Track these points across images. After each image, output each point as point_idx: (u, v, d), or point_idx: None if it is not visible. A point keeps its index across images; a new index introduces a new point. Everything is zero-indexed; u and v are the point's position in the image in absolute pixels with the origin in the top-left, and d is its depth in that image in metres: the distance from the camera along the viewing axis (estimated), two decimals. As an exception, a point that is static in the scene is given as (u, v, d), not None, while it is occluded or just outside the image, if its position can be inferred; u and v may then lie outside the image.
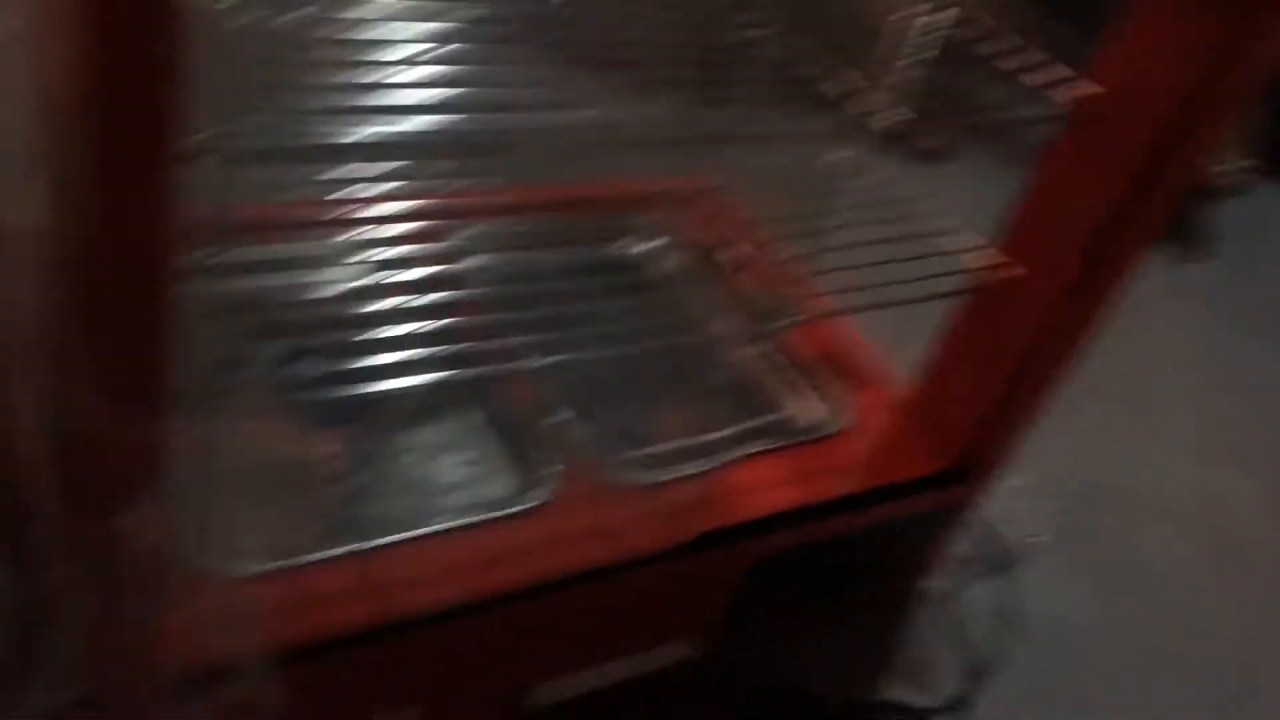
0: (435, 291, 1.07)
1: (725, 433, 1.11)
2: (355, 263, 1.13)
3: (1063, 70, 0.97)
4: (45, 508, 0.69)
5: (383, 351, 0.87)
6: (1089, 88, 0.96)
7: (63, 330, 0.55)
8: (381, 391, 0.84)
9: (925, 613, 1.23)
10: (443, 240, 1.19)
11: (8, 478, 0.76)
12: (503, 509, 0.94)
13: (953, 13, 1.04)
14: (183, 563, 0.61)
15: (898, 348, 1.24)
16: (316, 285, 1.10)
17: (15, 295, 0.64)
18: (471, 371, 1.01)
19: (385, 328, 0.90)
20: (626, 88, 1.14)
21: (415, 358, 0.91)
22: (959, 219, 1.10)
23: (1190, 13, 0.88)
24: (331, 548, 0.87)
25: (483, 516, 0.93)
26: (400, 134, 0.89)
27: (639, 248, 1.33)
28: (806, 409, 1.17)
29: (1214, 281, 2.02)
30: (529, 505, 0.95)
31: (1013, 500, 1.32)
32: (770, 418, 1.15)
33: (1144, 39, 0.92)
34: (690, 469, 1.03)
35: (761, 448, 1.09)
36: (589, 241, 1.31)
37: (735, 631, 1.10)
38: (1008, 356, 1.08)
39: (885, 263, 1.02)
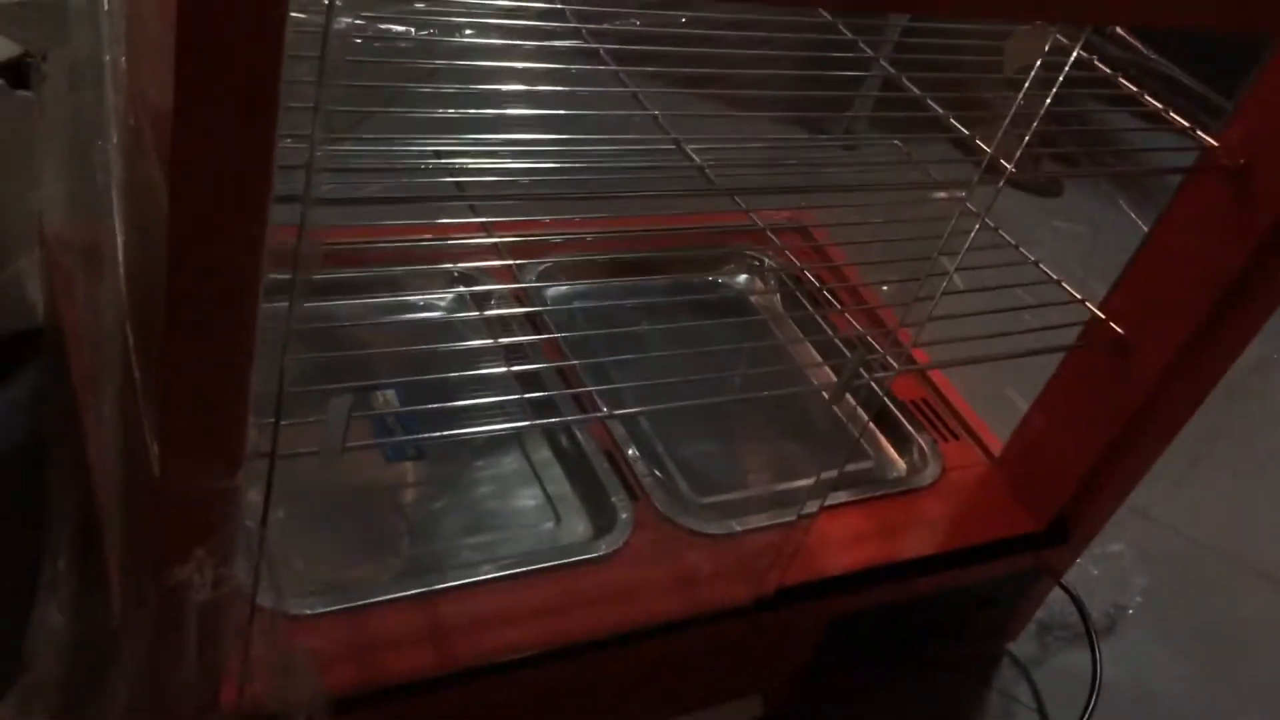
0: (524, 322, 1.06)
1: (809, 481, 1.06)
2: (443, 291, 1.12)
3: (1191, 118, 0.92)
4: (114, 552, 0.68)
5: (469, 395, 0.85)
6: (1222, 137, 0.90)
7: (139, 380, 0.54)
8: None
9: (1009, 679, 1.17)
10: (534, 271, 1.17)
11: (87, 520, 0.76)
12: (574, 555, 0.91)
13: (1075, 53, 0.98)
14: (247, 603, 0.59)
15: (994, 396, 1.19)
16: (401, 314, 1.09)
17: (102, 343, 0.63)
18: (560, 421, 0.99)
19: (473, 368, 0.88)
20: (738, 112, 1.10)
21: (501, 402, 0.89)
22: (1070, 266, 1.05)
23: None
24: (398, 588, 0.84)
25: (553, 563, 0.90)
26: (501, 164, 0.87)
27: (736, 280, 1.29)
28: (896, 459, 1.12)
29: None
30: (601, 553, 0.92)
31: (1107, 564, 1.26)
32: (858, 467, 1.11)
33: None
34: (770, 519, 0.99)
35: (847, 499, 1.04)
36: (685, 271, 1.28)
37: (809, 689, 1.05)
38: (1112, 418, 1.02)
39: (986, 313, 0.97)
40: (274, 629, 0.63)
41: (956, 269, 1.04)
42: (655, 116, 0.91)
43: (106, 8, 0.63)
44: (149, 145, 0.49)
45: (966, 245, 1.04)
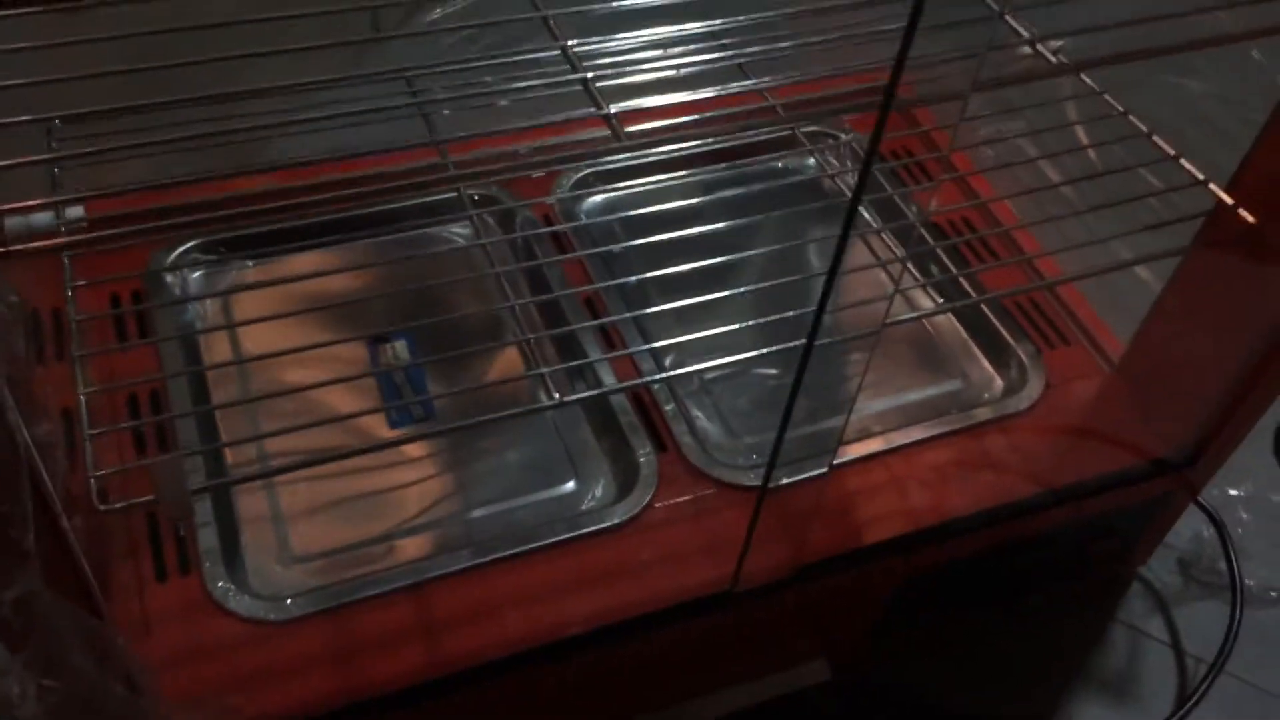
0: (549, 245, 0.94)
1: (887, 407, 0.92)
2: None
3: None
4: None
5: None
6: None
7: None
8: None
9: (1136, 608, 1.02)
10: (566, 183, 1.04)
11: None
12: (592, 525, 0.81)
13: None
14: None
15: (1115, 293, 1.00)
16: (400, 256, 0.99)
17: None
18: (596, 394, 0.88)
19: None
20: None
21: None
22: (1196, 128, 0.84)
23: None
24: (390, 581, 0.77)
25: (569, 534, 0.81)
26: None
27: (807, 162, 1.12)
28: (992, 375, 0.96)
29: None
30: (623, 519, 0.82)
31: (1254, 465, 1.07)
32: (947, 387, 0.95)
33: None
34: (843, 456, 0.86)
35: (934, 431, 0.89)
36: (759, 152, 1.11)
37: (886, 644, 0.94)
38: (1248, 320, 0.83)
39: (1087, 211, 0.79)
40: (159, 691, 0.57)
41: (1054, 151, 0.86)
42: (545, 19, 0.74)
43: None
44: None
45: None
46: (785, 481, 0.83)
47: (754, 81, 0.75)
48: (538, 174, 1.02)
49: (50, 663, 0.47)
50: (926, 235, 1.00)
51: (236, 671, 0.71)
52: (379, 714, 0.73)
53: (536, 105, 0.68)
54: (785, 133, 1.08)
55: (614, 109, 0.56)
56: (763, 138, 1.10)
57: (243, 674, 0.71)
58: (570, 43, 0.63)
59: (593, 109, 0.56)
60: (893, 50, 0.46)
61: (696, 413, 0.90)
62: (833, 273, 0.59)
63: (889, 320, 0.66)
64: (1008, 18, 0.68)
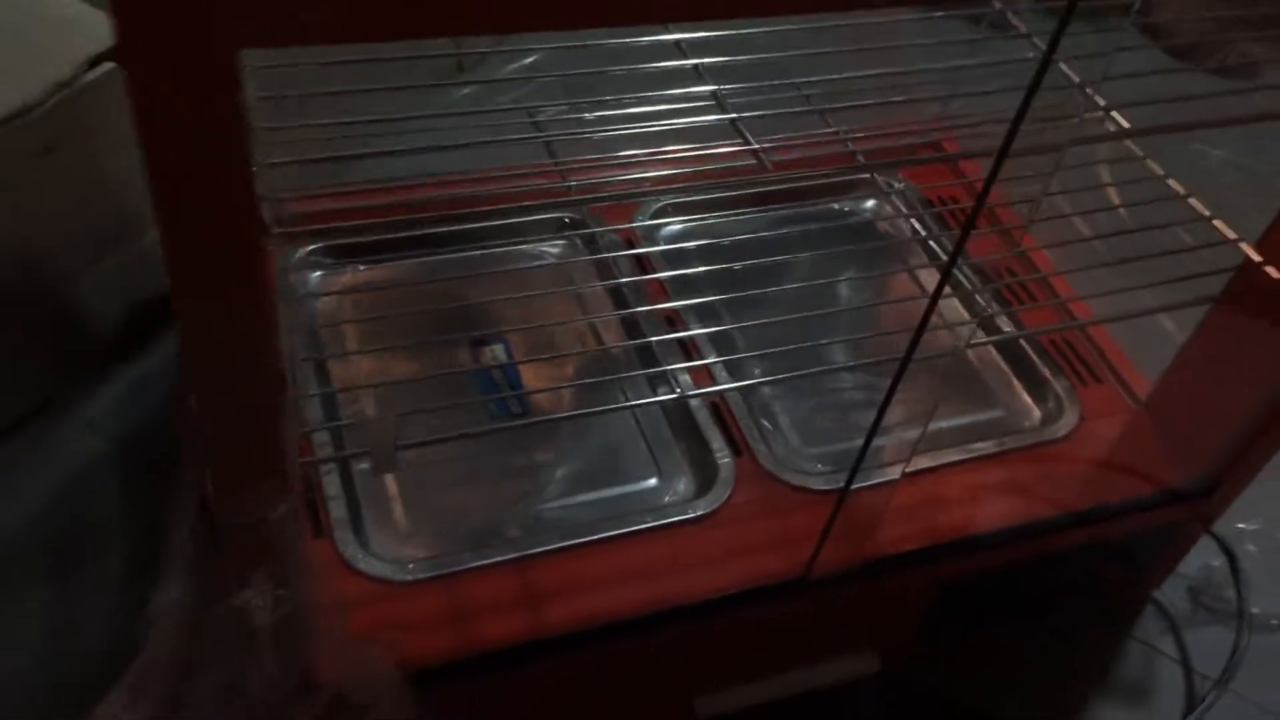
0: (635, 268, 1.04)
1: (933, 429, 1.02)
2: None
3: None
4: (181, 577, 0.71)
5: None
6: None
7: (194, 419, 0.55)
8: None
9: (1153, 631, 1.11)
10: (647, 211, 1.14)
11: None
12: (675, 515, 0.91)
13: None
14: (315, 611, 0.61)
15: (1147, 326, 1.10)
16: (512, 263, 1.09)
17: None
18: (675, 397, 0.98)
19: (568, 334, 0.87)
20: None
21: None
22: (1228, 193, 0.95)
23: None
24: (497, 554, 0.86)
25: (655, 523, 0.90)
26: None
27: (868, 205, 1.23)
28: (1030, 406, 1.06)
29: None
30: (703, 511, 0.91)
31: (1264, 503, 1.16)
32: (986, 416, 1.05)
33: None
34: (892, 474, 0.96)
35: (976, 454, 0.99)
36: (815, 196, 1.22)
37: (930, 646, 1.03)
38: (1268, 367, 0.93)
39: (1131, 260, 0.90)
40: (342, 618, 0.66)
41: (1095, 209, 0.97)
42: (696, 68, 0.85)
43: None
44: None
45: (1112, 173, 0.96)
46: (856, 486, 0.94)
47: (838, 129, 0.86)
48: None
49: (283, 579, 0.56)
50: (974, 278, 1.11)
51: (369, 623, 0.79)
52: (486, 670, 0.82)
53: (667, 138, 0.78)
54: (851, 178, 1.19)
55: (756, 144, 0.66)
56: (829, 181, 1.21)
57: (374, 626, 0.80)
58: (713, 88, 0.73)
59: (740, 143, 0.66)
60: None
61: (765, 423, 1.00)
62: (932, 303, 0.69)
63: (969, 343, 0.75)
64: (1088, 90, 0.78)
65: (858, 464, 0.84)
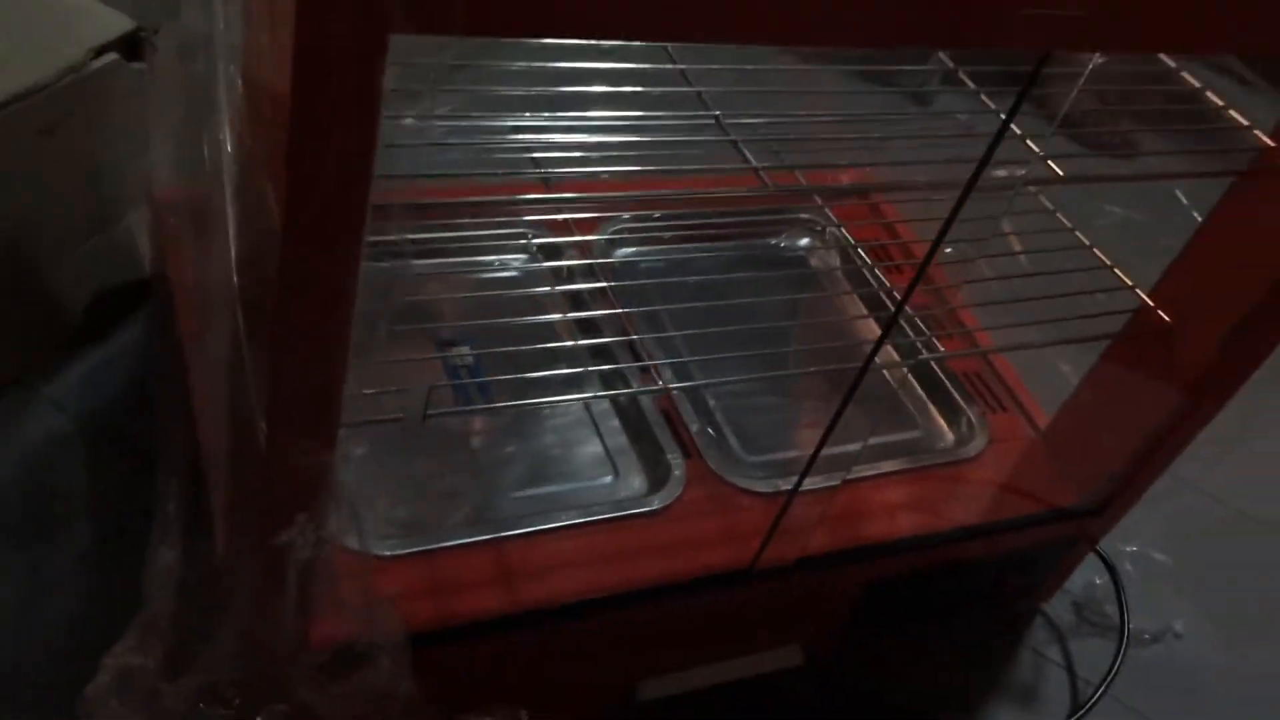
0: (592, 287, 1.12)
1: (858, 447, 1.12)
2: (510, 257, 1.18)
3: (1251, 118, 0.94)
4: (218, 497, 0.76)
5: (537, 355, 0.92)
6: (1277, 137, 0.92)
7: (248, 358, 0.61)
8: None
9: (1041, 639, 1.23)
10: (604, 233, 1.23)
11: (193, 464, 0.84)
12: (630, 509, 0.98)
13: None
14: (337, 552, 0.67)
15: (1046, 368, 1.23)
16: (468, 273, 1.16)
17: (210, 308, 0.71)
18: (628, 392, 1.06)
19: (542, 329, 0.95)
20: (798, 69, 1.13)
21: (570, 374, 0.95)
22: (1124, 244, 1.08)
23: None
24: (468, 534, 0.92)
25: (611, 515, 0.97)
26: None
27: (798, 244, 1.33)
28: (945, 430, 1.17)
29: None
30: (655, 507, 0.99)
31: (1143, 532, 1.29)
32: (907, 436, 1.16)
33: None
34: (819, 482, 1.05)
35: (895, 467, 1.09)
36: (747, 234, 1.32)
37: (849, 642, 1.12)
38: (1156, 400, 1.06)
39: (1041, 298, 1.01)
40: (360, 573, 0.71)
41: (1016, 253, 1.09)
42: (699, 94, 0.96)
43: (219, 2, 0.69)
44: (260, 152, 0.55)
45: (1008, 209, 1.08)
46: (785, 489, 1.03)
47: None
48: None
49: (321, 522, 0.62)
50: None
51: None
52: (450, 641, 0.88)
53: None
54: (783, 216, 1.30)
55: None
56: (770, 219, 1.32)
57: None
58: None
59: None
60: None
61: (711, 430, 1.08)
62: (880, 340, 0.79)
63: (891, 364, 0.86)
64: (1023, 136, 0.90)
65: (806, 470, 0.94)
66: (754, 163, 0.76)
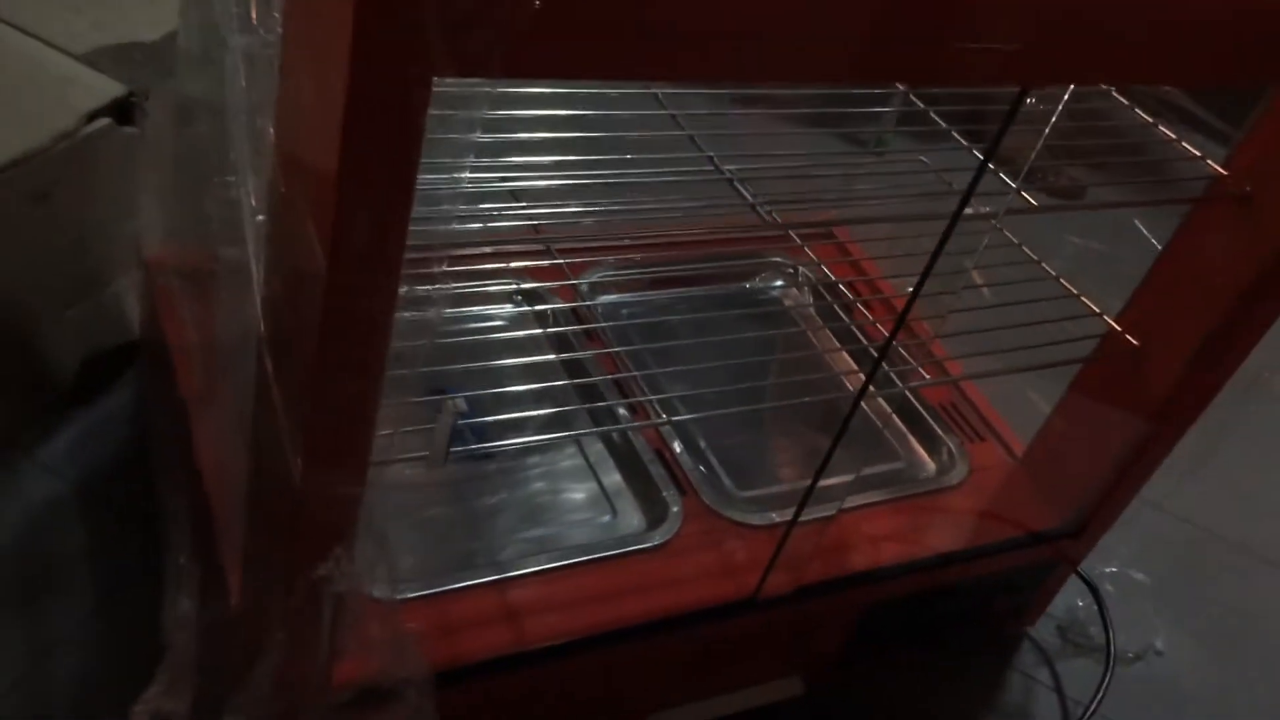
0: (579, 334, 1.14)
1: (846, 479, 1.15)
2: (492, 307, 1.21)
3: (1201, 150, 0.99)
4: (232, 547, 0.77)
5: (530, 403, 0.94)
6: (1230, 166, 0.97)
7: (280, 401, 0.63)
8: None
9: (1030, 662, 1.26)
10: (586, 282, 1.26)
11: (199, 518, 0.85)
12: (630, 545, 1.00)
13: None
14: (367, 590, 0.68)
15: (1018, 398, 1.27)
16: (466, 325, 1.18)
17: (226, 362, 0.72)
18: (604, 430, 1.09)
19: (533, 376, 0.97)
20: (761, 122, 1.18)
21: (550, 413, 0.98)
22: (1088, 274, 1.13)
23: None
24: (474, 576, 0.94)
25: (611, 552, 0.99)
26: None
27: (773, 286, 1.37)
28: (926, 460, 1.21)
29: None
30: (655, 543, 1.01)
31: (1121, 552, 1.33)
32: (890, 467, 1.19)
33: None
34: (810, 514, 1.08)
35: (881, 497, 1.12)
36: (724, 281, 1.36)
37: (845, 671, 1.14)
38: (1127, 421, 1.10)
39: (1011, 326, 1.05)
40: (387, 609, 0.72)
41: (985, 284, 1.13)
42: (691, 137, 1.00)
43: (240, 60, 0.71)
44: (299, 197, 0.57)
45: (983, 245, 1.13)
46: (778, 520, 1.05)
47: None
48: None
49: (352, 555, 0.64)
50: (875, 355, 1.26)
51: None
52: (469, 679, 0.89)
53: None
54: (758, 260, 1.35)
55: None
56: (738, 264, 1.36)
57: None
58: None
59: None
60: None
61: (703, 469, 1.11)
62: (868, 380, 0.83)
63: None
64: (997, 170, 0.94)
65: (803, 503, 0.97)
66: (750, 198, 0.80)
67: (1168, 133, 1.01)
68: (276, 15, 0.59)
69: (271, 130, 0.60)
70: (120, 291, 1.14)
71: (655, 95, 0.95)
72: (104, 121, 1.01)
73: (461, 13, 0.44)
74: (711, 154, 0.91)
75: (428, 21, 0.44)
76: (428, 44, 0.46)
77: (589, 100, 0.94)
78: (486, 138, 0.95)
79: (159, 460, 1.04)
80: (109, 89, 1.02)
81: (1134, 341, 1.06)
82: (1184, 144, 1.00)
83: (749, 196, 0.80)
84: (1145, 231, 1.07)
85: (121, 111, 1.03)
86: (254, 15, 0.63)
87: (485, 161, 0.97)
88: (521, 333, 1.10)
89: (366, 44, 0.46)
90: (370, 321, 0.56)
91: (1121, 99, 1.04)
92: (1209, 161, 0.98)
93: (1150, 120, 1.02)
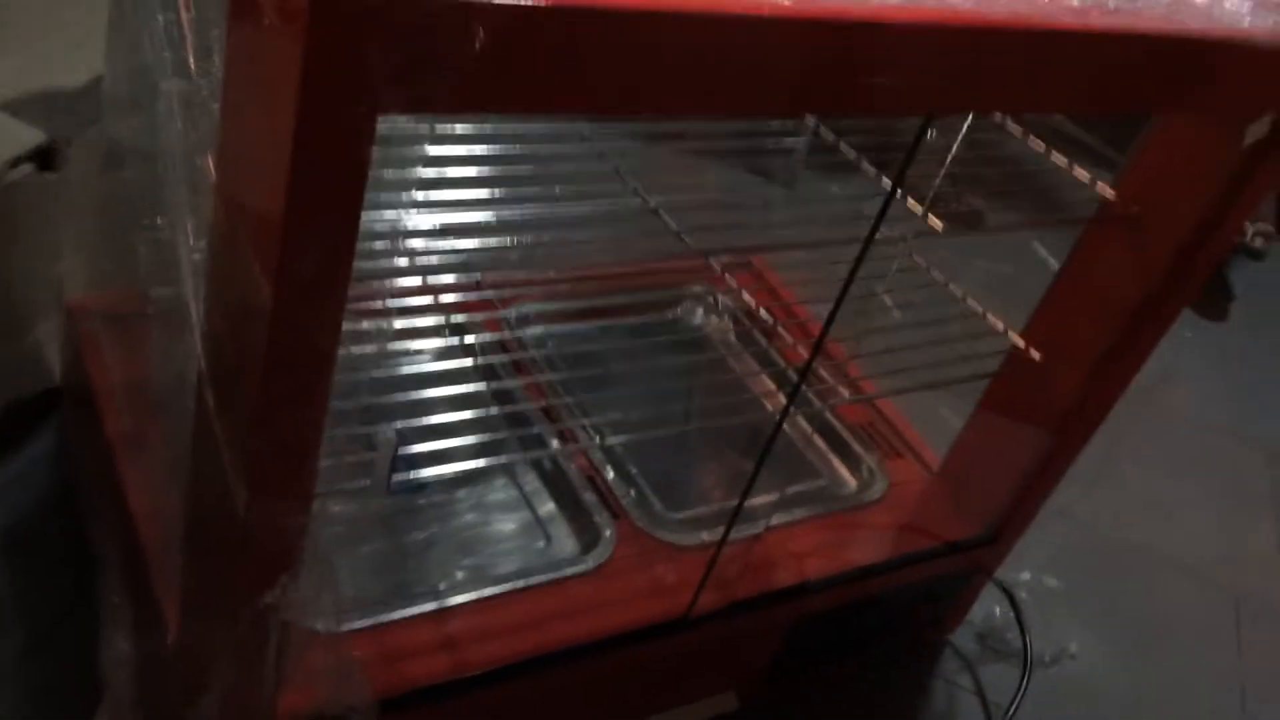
0: (509, 365, 1.17)
1: (771, 498, 1.19)
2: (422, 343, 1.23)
3: (1090, 175, 1.06)
4: (167, 584, 0.78)
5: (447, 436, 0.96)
6: (1118, 190, 1.04)
7: (221, 435, 0.64)
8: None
9: (952, 669, 1.30)
10: (513, 314, 1.28)
11: (130, 558, 0.85)
12: (564, 570, 1.02)
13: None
14: (312, 619, 0.69)
15: (932, 415, 1.32)
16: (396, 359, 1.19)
17: (159, 401, 0.73)
18: (537, 454, 1.11)
19: (450, 413, 0.99)
20: (678, 158, 1.22)
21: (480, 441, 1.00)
22: (992, 294, 1.19)
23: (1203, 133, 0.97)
24: (412, 605, 0.95)
25: (546, 577, 1.01)
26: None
27: (693, 315, 1.41)
28: (847, 477, 1.25)
29: (1234, 341, 2.09)
30: (589, 566, 1.03)
31: (1032, 562, 1.39)
32: (813, 485, 1.23)
33: (1166, 152, 1.01)
34: (738, 533, 1.11)
35: (805, 514, 1.16)
36: (647, 311, 1.40)
37: (776, 685, 1.17)
38: (1034, 433, 1.16)
39: (923, 345, 1.11)
40: (331, 638, 0.73)
41: (895, 306, 1.18)
42: (616, 169, 1.04)
43: (176, 103, 0.72)
44: (243, 233, 0.59)
45: (894, 269, 1.18)
46: (708, 540, 1.08)
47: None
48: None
49: (297, 584, 0.65)
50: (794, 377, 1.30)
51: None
52: (411, 707, 0.90)
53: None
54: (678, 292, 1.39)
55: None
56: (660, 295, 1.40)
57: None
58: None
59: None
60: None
61: (633, 492, 1.13)
62: (790, 401, 0.87)
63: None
64: (904, 197, 0.99)
65: (731, 522, 1.00)
66: (675, 227, 0.83)
67: (1060, 160, 1.07)
68: (216, 58, 0.61)
69: (212, 169, 0.62)
70: (41, 338, 1.14)
71: (580, 131, 0.98)
72: (26, 168, 1.01)
73: (406, 53, 0.47)
74: (636, 185, 0.94)
75: (373, 62, 0.47)
76: (373, 83, 0.48)
77: (515, 136, 0.97)
78: (424, 174, 0.98)
79: (87, 503, 1.03)
80: (30, 136, 1.02)
81: (1037, 357, 1.12)
82: (1075, 170, 1.06)
83: (673, 225, 0.83)
84: (1044, 253, 1.13)
85: (44, 157, 1.03)
86: (190, 59, 0.65)
87: (419, 197, 0.99)
88: (452, 364, 1.12)
89: (315, 82, 0.48)
90: (314, 352, 0.58)
91: (1016, 128, 1.11)
92: (1100, 184, 1.05)
93: (1043, 149, 1.09)
